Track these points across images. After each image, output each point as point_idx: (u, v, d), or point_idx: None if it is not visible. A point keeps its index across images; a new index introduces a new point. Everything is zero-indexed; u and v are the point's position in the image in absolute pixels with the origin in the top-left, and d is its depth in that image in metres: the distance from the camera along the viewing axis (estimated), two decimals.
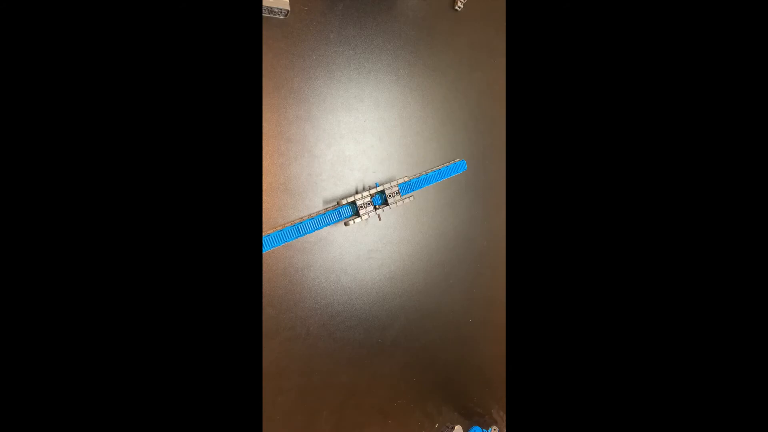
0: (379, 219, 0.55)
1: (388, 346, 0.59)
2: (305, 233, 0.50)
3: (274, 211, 0.49)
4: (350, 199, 0.52)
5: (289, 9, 0.47)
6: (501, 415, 0.70)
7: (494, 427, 0.67)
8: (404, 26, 0.58)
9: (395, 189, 0.55)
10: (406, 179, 0.57)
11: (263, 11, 0.47)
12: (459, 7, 0.61)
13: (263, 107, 0.48)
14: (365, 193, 0.52)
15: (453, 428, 0.65)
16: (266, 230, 0.48)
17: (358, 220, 0.52)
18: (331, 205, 0.52)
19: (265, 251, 0.48)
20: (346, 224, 0.52)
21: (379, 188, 0.54)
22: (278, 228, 0.49)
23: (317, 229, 0.51)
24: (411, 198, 0.56)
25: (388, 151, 0.57)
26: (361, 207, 0.52)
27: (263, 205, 0.49)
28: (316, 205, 0.52)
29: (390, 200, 0.54)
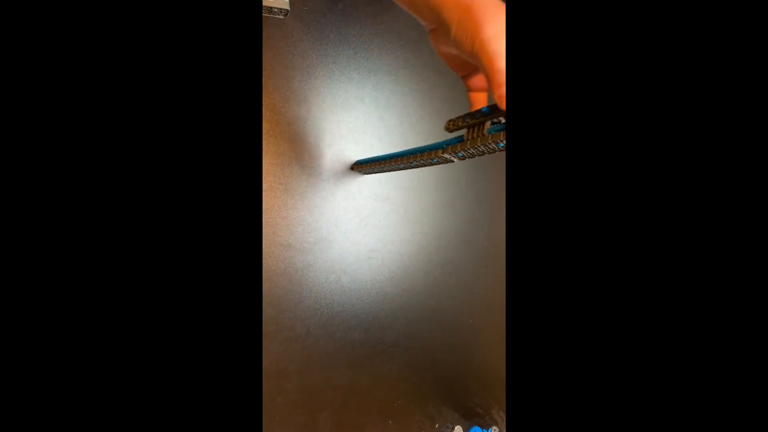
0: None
1: (388, 347, 0.59)
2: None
3: (274, 211, 0.49)
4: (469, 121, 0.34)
5: (289, 9, 0.47)
6: (501, 416, 0.70)
7: (494, 427, 0.67)
8: (404, 26, 0.58)
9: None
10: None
11: (263, 11, 0.47)
12: None
13: (263, 107, 0.48)
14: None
15: (453, 428, 0.65)
16: None
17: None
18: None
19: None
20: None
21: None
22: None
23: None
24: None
25: (388, 151, 0.57)
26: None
27: (263, 204, 0.49)
28: (317, 205, 0.52)
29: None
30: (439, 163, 0.40)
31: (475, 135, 0.33)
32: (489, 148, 0.33)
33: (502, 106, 0.29)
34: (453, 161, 0.39)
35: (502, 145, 0.32)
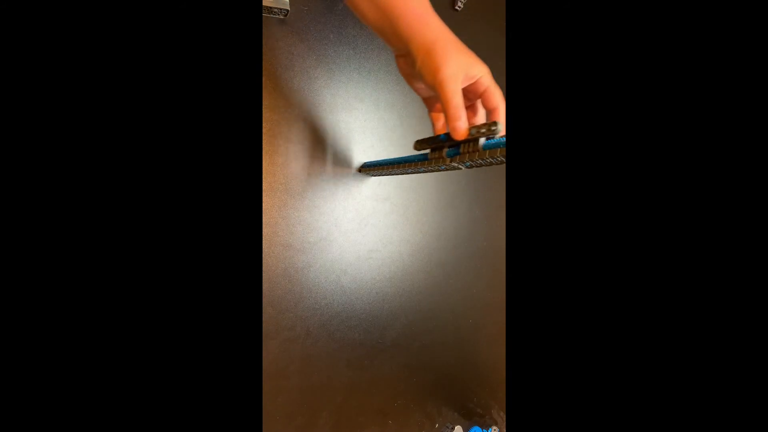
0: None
1: (388, 347, 0.59)
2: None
3: (274, 211, 0.49)
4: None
5: (289, 9, 0.47)
6: (501, 415, 0.70)
7: (494, 427, 0.67)
8: None
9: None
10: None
11: (263, 11, 0.47)
12: (459, 6, 0.61)
13: (263, 107, 0.48)
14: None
15: (453, 428, 0.65)
16: None
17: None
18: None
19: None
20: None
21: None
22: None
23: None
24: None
25: (388, 151, 0.57)
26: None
27: (263, 205, 0.49)
28: (317, 205, 0.52)
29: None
30: (447, 169, 0.41)
31: (471, 149, 0.36)
32: (497, 160, 0.36)
33: (456, 136, 0.35)
34: (460, 168, 0.40)
35: None
